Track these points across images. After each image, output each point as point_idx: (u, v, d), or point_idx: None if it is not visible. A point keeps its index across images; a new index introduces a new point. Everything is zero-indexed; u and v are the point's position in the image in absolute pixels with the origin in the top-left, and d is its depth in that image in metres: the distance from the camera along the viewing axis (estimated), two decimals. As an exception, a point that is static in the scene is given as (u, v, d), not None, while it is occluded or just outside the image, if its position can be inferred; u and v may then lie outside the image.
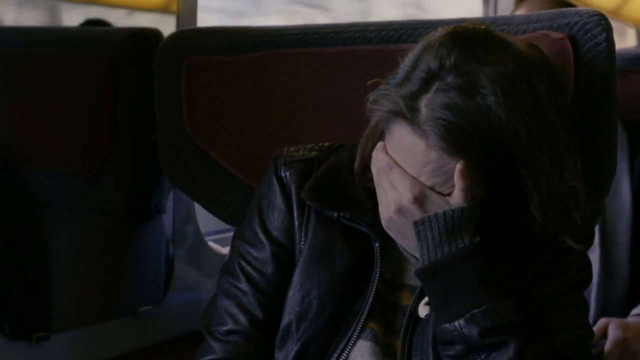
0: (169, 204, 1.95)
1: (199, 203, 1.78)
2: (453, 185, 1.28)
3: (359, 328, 1.39)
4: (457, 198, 1.29)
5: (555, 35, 1.50)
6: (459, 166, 1.26)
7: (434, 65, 1.27)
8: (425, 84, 1.26)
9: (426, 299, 1.37)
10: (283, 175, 1.46)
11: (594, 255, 2.35)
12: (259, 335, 1.44)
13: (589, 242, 1.40)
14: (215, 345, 1.45)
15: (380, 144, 1.34)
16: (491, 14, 3.31)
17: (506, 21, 1.57)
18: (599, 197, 1.51)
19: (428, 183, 1.30)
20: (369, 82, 1.34)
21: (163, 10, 2.03)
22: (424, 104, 1.26)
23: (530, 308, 1.34)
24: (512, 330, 1.29)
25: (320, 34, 1.69)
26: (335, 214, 1.41)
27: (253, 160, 1.69)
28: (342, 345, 1.39)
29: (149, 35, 1.83)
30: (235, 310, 1.45)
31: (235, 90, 1.72)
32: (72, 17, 1.82)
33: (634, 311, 2.21)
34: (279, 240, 1.45)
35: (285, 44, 1.70)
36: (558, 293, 1.37)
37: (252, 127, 1.72)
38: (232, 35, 1.74)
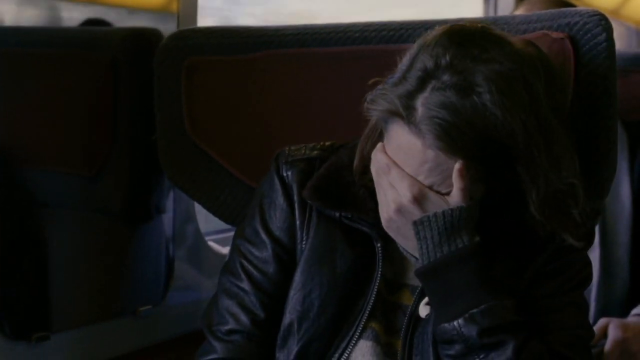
0: (169, 204, 1.95)
1: (199, 203, 1.78)
2: (451, 185, 1.29)
3: (360, 328, 1.39)
4: (455, 198, 1.29)
5: (555, 35, 1.50)
6: (457, 166, 1.26)
7: (429, 64, 1.27)
8: (422, 83, 1.27)
9: (427, 299, 1.37)
10: (285, 174, 1.46)
11: (594, 255, 2.35)
12: (261, 335, 1.44)
13: (589, 241, 1.40)
14: (217, 345, 1.45)
15: (379, 145, 1.35)
16: (491, 14, 3.31)
17: (506, 21, 1.57)
18: (599, 197, 1.52)
19: (426, 182, 1.30)
20: (369, 82, 1.34)
21: (163, 10, 2.03)
22: (420, 102, 1.26)
23: (530, 308, 1.34)
24: (511, 329, 1.29)
25: (320, 34, 1.69)
26: (337, 214, 1.41)
27: (253, 160, 1.69)
28: (343, 345, 1.39)
29: (149, 35, 1.83)
30: (236, 310, 1.45)
31: (235, 90, 1.72)
32: (72, 17, 1.82)
33: (634, 311, 2.21)
34: (280, 240, 1.45)
35: (285, 44, 1.70)
36: (558, 293, 1.37)
37: (252, 127, 1.72)
38: (232, 35, 1.74)
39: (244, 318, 1.45)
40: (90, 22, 1.83)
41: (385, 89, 1.30)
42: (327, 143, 1.50)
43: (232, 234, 1.54)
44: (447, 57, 1.26)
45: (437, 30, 1.31)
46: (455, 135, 1.24)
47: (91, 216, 1.82)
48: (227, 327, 1.45)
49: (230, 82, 1.72)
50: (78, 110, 1.76)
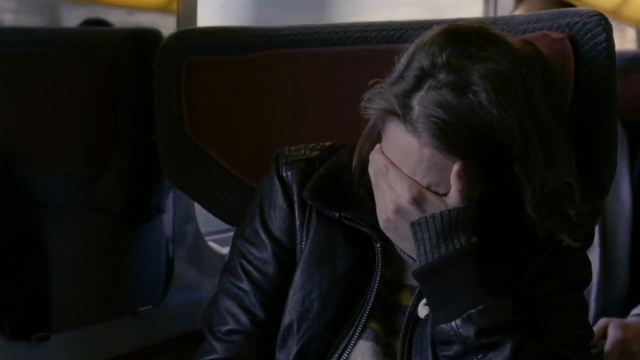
0: (169, 204, 1.95)
1: (199, 203, 1.78)
2: (449, 185, 1.28)
3: (360, 328, 1.39)
4: (453, 198, 1.29)
5: (555, 35, 1.50)
6: (455, 166, 1.26)
7: (426, 63, 1.27)
8: (418, 82, 1.27)
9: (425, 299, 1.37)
10: (284, 174, 1.46)
11: (594, 255, 2.35)
12: (260, 335, 1.44)
13: (588, 242, 1.40)
14: (217, 345, 1.45)
15: (377, 146, 1.35)
16: (491, 14, 3.31)
17: (506, 21, 1.57)
18: (599, 197, 1.51)
19: (423, 182, 1.30)
20: (369, 83, 1.34)
21: (163, 10, 2.03)
22: (416, 101, 1.26)
23: (530, 308, 1.34)
24: (509, 330, 1.29)
25: (320, 34, 1.69)
26: (337, 214, 1.41)
27: (253, 160, 1.69)
28: (343, 346, 1.39)
29: (149, 35, 1.83)
30: (236, 310, 1.45)
31: (235, 90, 1.72)
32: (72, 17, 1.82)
33: (634, 311, 2.21)
34: (280, 240, 1.45)
35: (285, 44, 1.70)
36: (558, 293, 1.37)
37: (252, 127, 1.72)
38: (232, 35, 1.74)
39: (243, 318, 1.45)
40: (90, 22, 1.83)
41: (383, 88, 1.31)
42: (327, 143, 1.50)
43: (232, 234, 1.54)
44: (444, 56, 1.26)
45: (435, 30, 1.31)
46: (451, 134, 1.24)
47: (91, 216, 1.82)
48: (227, 328, 1.45)
49: (230, 82, 1.72)
50: (78, 110, 1.76)
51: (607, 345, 2.10)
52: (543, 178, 1.28)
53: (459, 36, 1.28)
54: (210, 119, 1.73)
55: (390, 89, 1.29)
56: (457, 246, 1.31)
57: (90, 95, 1.78)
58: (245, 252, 1.47)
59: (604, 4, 4.73)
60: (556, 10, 1.56)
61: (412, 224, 1.31)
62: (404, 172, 1.30)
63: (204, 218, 2.02)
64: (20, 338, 1.60)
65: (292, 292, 1.43)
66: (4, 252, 1.59)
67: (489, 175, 1.30)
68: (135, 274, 1.92)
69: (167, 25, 1.92)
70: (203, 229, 2.08)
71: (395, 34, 1.64)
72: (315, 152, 1.48)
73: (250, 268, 1.46)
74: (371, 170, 1.35)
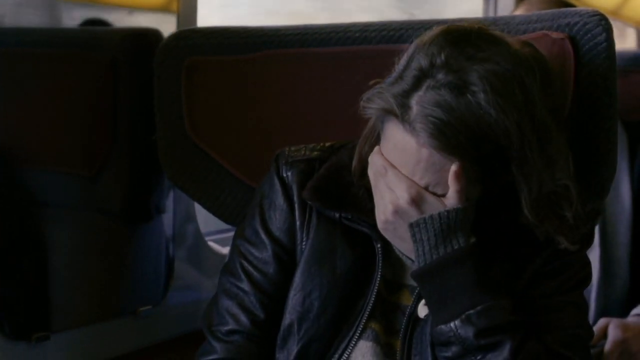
0: (169, 204, 1.95)
1: (199, 203, 1.78)
2: (448, 186, 1.28)
3: (360, 328, 1.39)
4: (452, 199, 1.29)
5: (555, 35, 1.49)
6: (453, 167, 1.26)
7: (425, 63, 1.27)
8: (417, 82, 1.27)
9: (425, 299, 1.37)
10: (284, 175, 1.46)
11: (594, 255, 2.35)
12: (261, 335, 1.44)
13: (587, 243, 1.40)
14: (217, 345, 1.45)
15: (376, 148, 1.35)
16: (491, 14, 3.31)
17: (506, 21, 1.57)
18: (599, 197, 1.51)
19: (422, 182, 1.30)
20: (370, 83, 1.34)
21: (163, 10, 2.03)
22: (414, 101, 1.26)
23: (530, 308, 1.34)
24: (508, 330, 1.29)
25: (320, 34, 1.69)
26: (337, 215, 1.41)
27: (253, 160, 1.69)
28: (343, 346, 1.39)
29: (149, 35, 1.83)
30: (236, 310, 1.45)
31: (235, 90, 1.72)
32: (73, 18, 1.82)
33: (634, 311, 2.21)
34: (280, 240, 1.45)
35: (285, 44, 1.70)
36: (557, 293, 1.37)
37: (252, 127, 1.72)
38: (232, 35, 1.74)
39: (244, 318, 1.45)
40: (90, 22, 1.83)
41: (382, 88, 1.31)
42: (327, 144, 1.50)
43: (232, 234, 1.54)
44: (443, 56, 1.26)
45: (434, 30, 1.31)
46: (449, 134, 1.24)
47: (91, 216, 1.82)
48: (227, 328, 1.45)
49: (230, 82, 1.72)
50: (78, 110, 1.76)
51: (607, 345, 2.10)
52: (540, 179, 1.28)
53: (458, 37, 1.28)
54: (210, 119, 1.73)
55: (389, 89, 1.29)
56: (456, 247, 1.31)
57: (90, 95, 1.78)
58: (245, 252, 1.47)
59: (604, 4, 4.73)
60: (556, 10, 1.56)
61: (411, 225, 1.31)
62: (402, 173, 1.30)
63: (204, 218, 2.02)
64: (20, 338, 1.60)
65: (292, 293, 1.43)
66: (4, 252, 1.59)
67: (487, 175, 1.30)
68: (135, 274, 1.92)
69: (167, 25, 1.93)
70: (203, 229, 2.08)
71: (395, 34, 1.64)
72: (315, 153, 1.48)
73: (250, 268, 1.46)
74: (370, 172, 1.35)
